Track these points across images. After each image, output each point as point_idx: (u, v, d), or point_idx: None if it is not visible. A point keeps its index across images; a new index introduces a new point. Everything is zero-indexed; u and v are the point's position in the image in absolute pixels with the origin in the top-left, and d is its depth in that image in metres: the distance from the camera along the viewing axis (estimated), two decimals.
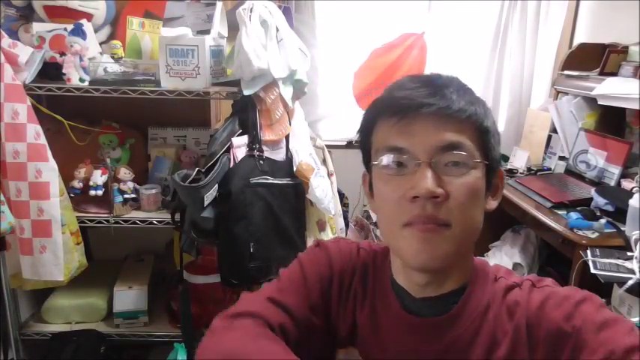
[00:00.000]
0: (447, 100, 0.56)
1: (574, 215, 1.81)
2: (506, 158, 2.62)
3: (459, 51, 2.89)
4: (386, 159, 0.58)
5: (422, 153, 0.56)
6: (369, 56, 2.62)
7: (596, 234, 1.73)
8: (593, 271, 1.57)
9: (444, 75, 0.62)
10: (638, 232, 1.58)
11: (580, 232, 1.73)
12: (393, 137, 0.58)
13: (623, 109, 2.19)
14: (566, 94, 2.47)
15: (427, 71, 2.62)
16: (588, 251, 1.63)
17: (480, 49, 2.91)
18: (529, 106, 2.87)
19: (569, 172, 2.30)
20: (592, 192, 1.95)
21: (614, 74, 2.22)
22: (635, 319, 1.47)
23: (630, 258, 1.57)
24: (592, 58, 2.39)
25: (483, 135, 0.59)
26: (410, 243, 0.56)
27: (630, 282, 1.47)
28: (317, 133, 2.68)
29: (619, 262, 1.57)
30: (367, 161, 0.64)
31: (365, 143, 0.64)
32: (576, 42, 2.64)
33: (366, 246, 0.72)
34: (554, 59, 2.82)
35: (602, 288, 1.57)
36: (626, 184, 2.01)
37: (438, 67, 2.81)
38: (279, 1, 2.34)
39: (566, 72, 2.45)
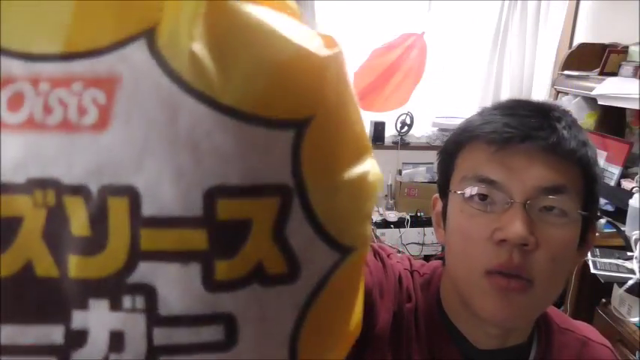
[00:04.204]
0: (557, 137, 0.48)
1: None
2: None
3: (459, 51, 2.89)
4: (472, 190, 0.49)
5: (517, 191, 0.48)
6: (369, 56, 2.63)
7: (596, 234, 1.73)
8: (593, 271, 1.57)
9: (557, 106, 0.53)
10: (638, 232, 1.58)
11: None
12: (485, 167, 0.49)
13: (623, 109, 2.19)
14: (566, 94, 2.47)
15: (427, 72, 2.64)
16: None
17: (480, 49, 2.91)
18: None
19: None
20: None
21: (614, 74, 2.23)
22: (635, 319, 1.47)
23: (630, 258, 1.57)
24: (592, 58, 2.39)
25: (589, 183, 0.50)
26: (487, 298, 0.49)
27: (630, 282, 1.47)
28: None
29: (619, 262, 1.57)
30: (444, 186, 0.55)
31: (446, 166, 0.55)
32: (576, 42, 2.64)
33: (407, 265, 0.62)
34: (554, 59, 2.82)
35: (602, 288, 1.57)
36: (626, 184, 2.01)
37: (438, 67, 2.81)
38: None
39: (566, 72, 2.45)
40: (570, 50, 2.55)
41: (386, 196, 3.00)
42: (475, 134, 0.51)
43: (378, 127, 2.87)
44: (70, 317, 0.15)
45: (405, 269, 0.61)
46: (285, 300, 0.16)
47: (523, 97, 2.91)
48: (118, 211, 0.15)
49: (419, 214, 2.79)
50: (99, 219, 0.15)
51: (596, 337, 0.61)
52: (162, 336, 0.15)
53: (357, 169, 0.18)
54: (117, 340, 0.15)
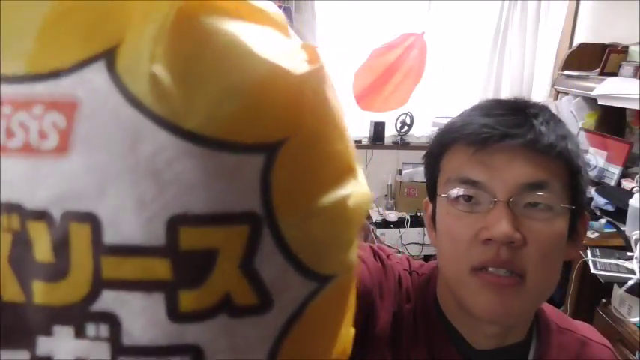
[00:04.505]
0: (535, 133, 0.48)
1: None
2: None
3: (459, 51, 2.89)
4: (457, 191, 0.50)
5: (500, 190, 0.48)
6: (369, 56, 2.63)
7: (596, 234, 1.73)
8: (593, 271, 1.57)
9: (533, 102, 0.54)
10: (638, 232, 1.58)
11: None
12: (468, 168, 0.50)
13: (623, 109, 2.19)
14: (566, 94, 2.48)
15: (427, 72, 2.64)
16: (588, 251, 1.63)
17: (480, 49, 2.91)
18: None
19: None
20: (592, 192, 1.95)
21: (614, 74, 2.23)
22: (635, 319, 1.47)
23: (630, 258, 1.57)
24: (592, 58, 2.39)
25: (573, 176, 0.51)
26: (478, 295, 0.49)
27: (630, 282, 1.47)
28: None
29: (619, 262, 1.57)
30: (432, 190, 0.56)
31: (432, 169, 0.56)
32: (576, 42, 2.65)
33: (407, 266, 0.63)
34: (554, 59, 2.82)
35: (602, 288, 1.57)
36: (626, 184, 2.01)
37: (438, 67, 2.81)
38: (279, 1, 2.34)
39: (566, 72, 2.45)
40: (570, 50, 2.55)
41: (386, 196, 3.00)
42: (456, 137, 0.52)
43: (378, 127, 2.87)
44: (35, 343, 0.16)
45: (405, 270, 0.62)
46: (256, 331, 0.16)
47: (523, 97, 2.90)
48: (79, 238, 0.15)
49: (419, 214, 2.79)
50: (61, 245, 0.15)
51: (596, 337, 0.61)
52: None
53: (336, 194, 0.17)
54: None
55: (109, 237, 0.15)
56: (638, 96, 1.90)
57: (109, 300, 0.15)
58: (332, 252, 0.18)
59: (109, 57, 0.15)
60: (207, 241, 0.15)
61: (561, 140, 0.50)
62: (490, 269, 0.48)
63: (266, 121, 0.16)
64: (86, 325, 0.15)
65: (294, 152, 0.16)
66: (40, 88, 0.15)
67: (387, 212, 2.84)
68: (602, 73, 2.27)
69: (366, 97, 2.62)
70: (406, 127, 2.92)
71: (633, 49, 2.24)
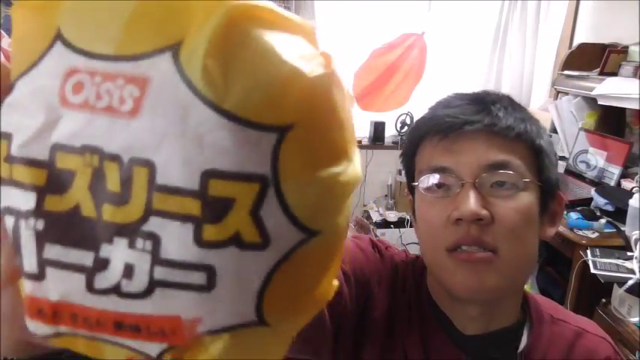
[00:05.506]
0: (492, 117, 0.52)
1: (574, 215, 1.82)
2: None
3: (459, 51, 2.89)
4: (429, 179, 0.54)
5: (466, 173, 0.52)
6: (369, 56, 2.63)
7: (596, 234, 1.73)
8: (593, 271, 1.57)
9: (493, 92, 0.58)
10: (638, 232, 1.58)
11: (580, 232, 1.74)
12: (436, 157, 0.54)
13: (623, 109, 2.19)
14: (566, 94, 2.47)
15: (427, 72, 2.64)
16: (588, 251, 1.64)
17: (479, 49, 2.91)
18: (529, 106, 2.87)
19: (569, 172, 2.30)
20: (592, 192, 1.95)
21: (614, 74, 2.23)
22: (635, 319, 1.47)
23: (630, 258, 1.57)
24: (592, 58, 2.39)
25: (536, 155, 0.54)
26: (455, 275, 0.51)
27: (630, 282, 1.47)
28: None
29: (619, 262, 1.58)
30: (411, 184, 0.60)
31: (409, 165, 0.61)
32: (576, 42, 2.64)
33: (404, 257, 0.66)
34: (554, 59, 2.82)
35: (602, 288, 1.57)
36: (626, 184, 2.01)
37: (438, 67, 2.81)
38: (279, 1, 2.34)
39: (566, 72, 2.45)
40: (570, 50, 2.55)
41: (386, 196, 3.00)
42: (424, 131, 0.56)
43: (378, 127, 2.87)
44: (99, 248, 0.21)
45: (402, 260, 0.65)
46: (255, 263, 0.21)
47: (523, 97, 2.92)
48: (139, 177, 0.21)
49: None
50: (127, 181, 0.21)
51: (593, 330, 0.61)
52: (161, 273, 0.21)
53: (330, 170, 0.23)
54: (128, 271, 0.21)
55: (160, 179, 0.20)
56: (638, 96, 1.90)
57: (154, 224, 0.21)
58: (322, 214, 0.23)
59: (174, 49, 0.21)
60: (228, 191, 0.20)
61: (520, 122, 0.53)
62: (463, 247, 0.51)
63: (282, 109, 0.21)
64: (136, 240, 0.21)
65: (300, 135, 0.22)
66: (123, 67, 0.21)
67: (387, 212, 2.84)
68: (602, 73, 2.27)
69: (366, 97, 2.62)
70: (406, 127, 2.92)
71: (633, 49, 2.24)
